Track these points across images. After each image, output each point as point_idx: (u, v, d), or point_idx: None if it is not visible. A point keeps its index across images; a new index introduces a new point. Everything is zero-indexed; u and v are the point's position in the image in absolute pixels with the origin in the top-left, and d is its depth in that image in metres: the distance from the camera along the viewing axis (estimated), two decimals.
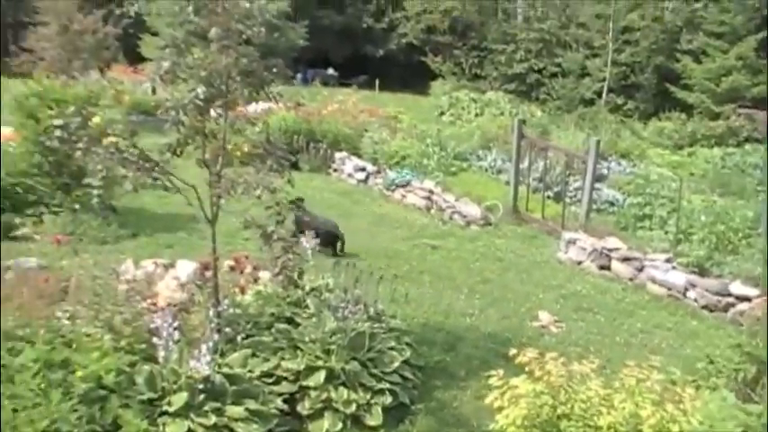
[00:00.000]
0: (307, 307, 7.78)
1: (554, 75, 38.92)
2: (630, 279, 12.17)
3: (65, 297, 7.46)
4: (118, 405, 5.72)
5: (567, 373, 5.76)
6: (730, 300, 10.92)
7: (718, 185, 19.12)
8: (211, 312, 6.95)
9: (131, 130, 6.99)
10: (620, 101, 36.43)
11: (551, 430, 5.50)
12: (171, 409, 5.92)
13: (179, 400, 5.95)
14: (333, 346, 7.02)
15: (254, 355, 6.85)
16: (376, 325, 7.62)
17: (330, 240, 11.34)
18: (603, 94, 36.38)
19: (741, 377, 6.86)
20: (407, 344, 7.77)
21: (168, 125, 6.71)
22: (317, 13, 43.34)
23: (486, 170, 19.96)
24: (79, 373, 5.73)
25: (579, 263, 12.87)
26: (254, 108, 15.09)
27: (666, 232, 13.56)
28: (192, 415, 5.91)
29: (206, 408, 5.99)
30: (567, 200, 15.73)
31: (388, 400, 6.88)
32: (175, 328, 6.38)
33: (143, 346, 6.58)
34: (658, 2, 36.94)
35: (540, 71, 39.66)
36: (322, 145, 19.77)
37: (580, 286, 11.73)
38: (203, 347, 6.14)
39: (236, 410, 6.05)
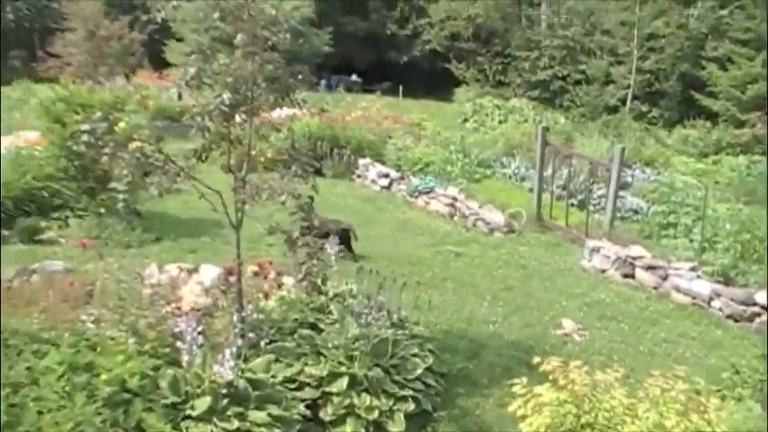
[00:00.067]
0: (330, 313, 7.78)
1: (578, 82, 38.77)
2: (654, 288, 12.08)
3: (90, 300, 7.52)
4: (141, 409, 5.75)
5: (591, 381, 5.73)
6: (755, 309, 10.82)
7: (743, 194, 18.99)
8: (235, 317, 6.98)
9: (157, 135, 7.04)
10: (644, 108, 36.21)
11: None
12: (194, 414, 5.94)
13: (202, 404, 5.97)
14: (356, 353, 7.03)
15: (277, 360, 6.86)
16: (399, 331, 7.62)
17: (344, 240, 11.31)
18: (628, 102, 36.19)
19: (767, 388, 6.81)
20: (430, 351, 7.76)
21: (194, 131, 6.74)
22: (342, 19, 43.48)
23: (510, 177, 19.93)
24: (103, 377, 5.76)
25: (603, 271, 12.79)
26: (278, 114, 15.07)
27: (691, 241, 13.47)
28: (215, 419, 5.93)
29: (229, 412, 6.01)
30: (591, 207, 15.66)
31: (411, 406, 6.88)
32: (199, 333, 6.41)
33: (167, 350, 6.61)
34: (683, 9, 36.71)
35: (564, 78, 39.51)
36: (346, 151, 19.77)
37: (604, 294, 11.66)
38: (227, 352, 6.16)
39: (258, 415, 6.06)
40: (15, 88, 23.90)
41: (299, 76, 7.01)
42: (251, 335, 6.99)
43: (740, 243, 12.49)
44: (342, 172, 19.52)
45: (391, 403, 6.79)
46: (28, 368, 5.82)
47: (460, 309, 10.15)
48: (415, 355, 7.43)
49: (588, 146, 22.88)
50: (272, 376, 6.60)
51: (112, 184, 7.41)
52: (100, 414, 5.44)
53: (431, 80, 42.73)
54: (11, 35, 40.38)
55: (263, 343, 7.03)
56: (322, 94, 28.36)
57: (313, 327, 7.57)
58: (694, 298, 11.45)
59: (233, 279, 7.62)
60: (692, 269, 11.81)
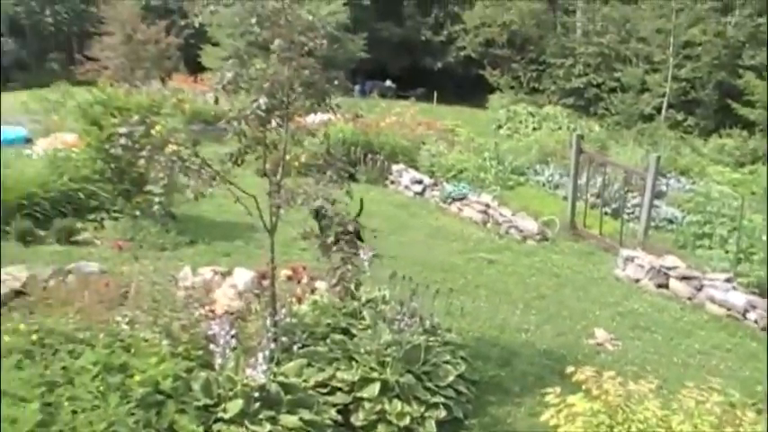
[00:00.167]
0: (362, 318, 7.79)
1: (613, 90, 38.49)
2: (689, 298, 11.97)
3: (124, 302, 7.60)
4: (174, 410, 5.78)
5: (624, 392, 5.68)
6: None
7: None
8: (268, 321, 7.01)
9: (194, 139, 7.08)
10: (680, 117, 35.87)
11: None
12: (226, 416, 5.97)
13: (234, 407, 6.00)
14: (388, 359, 7.03)
15: (309, 364, 6.88)
16: (431, 338, 7.61)
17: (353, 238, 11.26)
18: (663, 110, 35.88)
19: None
20: (462, 358, 7.74)
21: (230, 135, 6.79)
22: (376, 25, 43.50)
23: (544, 185, 19.87)
24: (137, 378, 5.81)
25: (637, 280, 12.69)
26: (313, 119, 15.13)
27: (727, 251, 13.34)
28: (246, 423, 5.96)
29: (261, 416, 6.04)
30: (626, 216, 15.56)
31: (442, 413, 6.86)
32: (232, 336, 6.45)
33: (200, 352, 6.65)
34: (721, 17, 36.34)
35: (598, 86, 39.25)
36: (379, 157, 19.77)
37: (637, 304, 11.57)
38: (259, 356, 6.19)
39: (290, 419, 6.07)
40: (53, 90, 24.11)
41: (335, 82, 7.03)
42: (284, 339, 7.03)
43: None
44: (375, 177, 19.52)
45: (422, 410, 6.78)
46: (63, 368, 5.88)
47: (493, 316, 10.12)
48: (447, 362, 7.41)
49: (623, 154, 22.72)
50: (304, 380, 6.62)
51: (148, 187, 7.47)
52: (133, 415, 5.49)
53: (465, 86, 42.64)
54: (50, 38, 40.90)
55: (295, 347, 7.05)
56: (356, 100, 28.37)
57: (345, 332, 7.59)
58: (729, 309, 11.32)
59: (266, 283, 7.65)
60: (728, 280, 11.70)
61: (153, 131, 6.85)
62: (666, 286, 12.38)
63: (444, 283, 10.27)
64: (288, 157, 7.18)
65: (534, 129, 30.61)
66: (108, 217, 12.38)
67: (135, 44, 25.40)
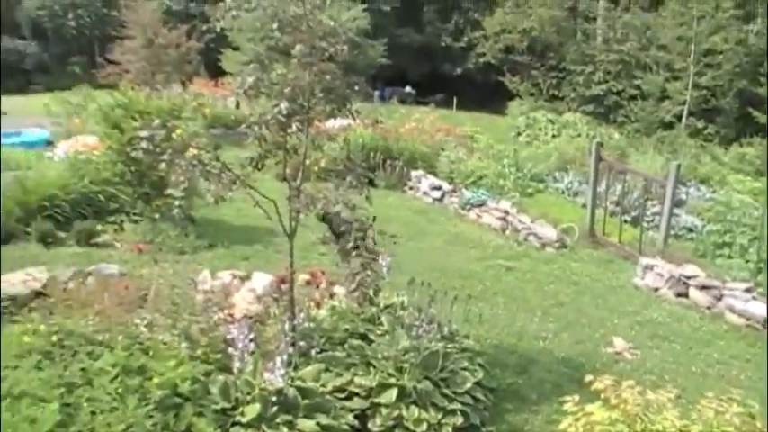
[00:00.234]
0: (381, 324, 7.80)
1: (633, 97, 38.37)
2: (708, 308, 11.89)
3: (144, 304, 7.63)
4: (192, 413, 5.80)
5: (643, 401, 5.65)
6: None
7: None
8: (287, 325, 7.03)
9: (215, 143, 7.11)
10: (700, 125, 35.70)
11: None
12: (243, 420, 5.98)
13: (252, 411, 6.01)
14: (406, 365, 7.02)
15: (327, 369, 6.89)
16: (449, 345, 7.59)
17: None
18: (683, 118, 35.73)
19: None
20: (480, 365, 7.71)
21: (250, 139, 6.82)
22: (396, 31, 43.57)
23: (563, 192, 19.82)
24: (155, 380, 5.83)
25: (656, 289, 12.62)
26: (332, 124, 15.19)
27: (747, 261, 13.26)
28: (264, 426, 5.96)
29: (278, 420, 6.04)
30: (645, 225, 15.48)
31: (459, 420, 6.83)
32: (251, 340, 6.46)
33: (218, 355, 6.68)
34: (742, 24, 36.14)
35: (618, 93, 39.13)
36: (398, 162, 19.75)
37: (656, 313, 11.50)
38: (278, 360, 6.19)
39: (307, 424, 6.07)
40: (75, 93, 24.27)
41: (356, 88, 7.04)
42: (302, 343, 7.04)
43: None
44: (394, 183, 19.51)
45: (440, 416, 6.77)
46: (82, 369, 5.92)
47: (511, 323, 10.11)
48: (464, 369, 7.39)
49: (642, 162, 22.62)
50: (322, 385, 6.62)
51: (169, 191, 7.51)
52: (151, 417, 5.52)
53: (484, 93, 42.59)
54: (72, 42, 41.18)
55: (313, 352, 7.06)
56: (375, 106, 28.37)
57: (363, 337, 7.59)
58: (749, 319, 11.23)
59: (285, 287, 7.67)
60: (748, 290, 11.61)
61: (174, 135, 6.89)
62: (686, 295, 12.31)
63: (463, 290, 10.27)
64: (307, 162, 7.19)
65: (554, 136, 30.52)
66: (128, 220, 12.45)
67: (156, 48, 25.53)
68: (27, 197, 11.95)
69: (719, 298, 11.80)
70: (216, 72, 33.37)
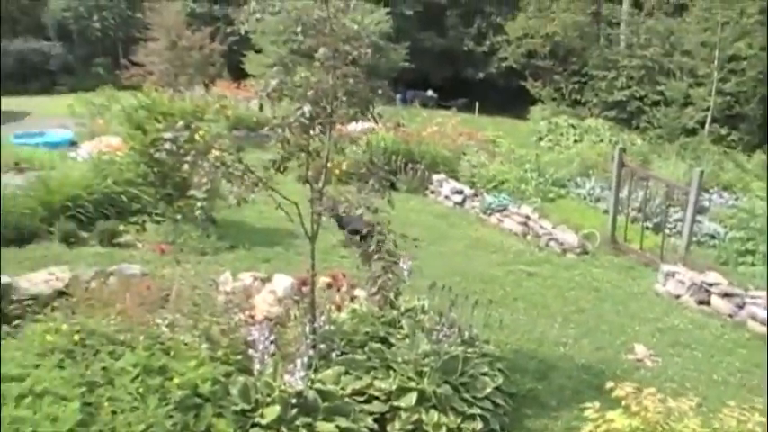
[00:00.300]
0: (401, 328, 7.80)
1: (656, 103, 38.09)
2: (730, 315, 11.80)
3: (165, 305, 7.65)
4: (212, 414, 5.83)
5: (664, 409, 5.62)
6: None
7: None
8: (307, 328, 7.04)
9: (238, 145, 7.13)
10: (723, 131, 35.38)
11: None
12: (263, 422, 6.00)
13: (271, 413, 6.03)
14: (425, 369, 7.02)
15: (346, 372, 6.89)
16: (469, 349, 7.59)
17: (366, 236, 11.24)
18: (707, 125, 35.44)
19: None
20: (500, 370, 7.70)
21: (273, 141, 6.84)
22: (419, 35, 43.50)
23: (585, 198, 19.74)
24: (176, 380, 5.86)
25: (677, 296, 12.54)
26: (354, 127, 15.20)
27: None
28: (283, 428, 5.99)
29: (297, 422, 6.06)
30: (667, 231, 15.38)
31: (479, 425, 6.82)
32: (271, 342, 6.48)
33: (239, 357, 6.71)
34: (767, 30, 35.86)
35: (641, 99, 38.87)
36: (420, 166, 19.72)
37: (677, 320, 11.43)
38: (298, 362, 6.21)
39: (327, 427, 6.09)
40: (99, 94, 24.41)
41: (379, 91, 7.05)
42: (322, 346, 7.05)
43: None
44: (416, 187, 19.49)
45: (459, 421, 6.76)
46: (104, 368, 5.96)
47: (531, 329, 10.08)
48: (484, 374, 7.38)
49: (665, 168, 22.49)
50: (342, 388, 6.63)
51: (191, 192, 7.54)
52: (171, 417, 5.54)
53: (506, 97, 42.46)
54: (97, 44, 41.44)
55: (333, 354, 7.08)
56: (397, 109, 28.38)
57: (383, 341, 7.60)
58: None
59: (306, 290, 7.68)
60: None
61: (197, 137, 6.92)
62: (708, 303, 12.22)
63: (483, 295, 10.23)
64: (329, 165, 7.21)
65: (575, 141, 30.42)
66: (150, 220, 12.52)
67: (180, 50, 25.62)
68: (50, 197, 12.04)
69: (742, 306, 11.72)
70: (238, 74, 33.46)
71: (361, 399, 6.74)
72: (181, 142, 6.69)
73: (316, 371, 6.68)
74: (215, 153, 6.71)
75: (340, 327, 7.63)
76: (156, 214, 12.56)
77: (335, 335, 7.36)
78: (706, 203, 19.13)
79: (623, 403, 5.72)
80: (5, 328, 6.95)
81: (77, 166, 14.38)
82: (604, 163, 21.21)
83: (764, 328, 11.17)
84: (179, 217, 12.05)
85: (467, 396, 7.02)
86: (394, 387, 6.85)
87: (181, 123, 7.02)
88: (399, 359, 7.14)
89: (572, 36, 41.16)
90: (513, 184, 18.84)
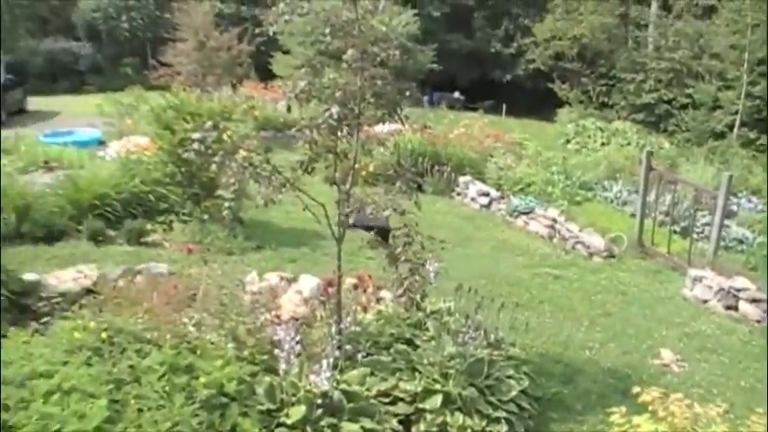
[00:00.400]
0: (427, 330, 7.79)
1: (684, 106, 37.80)
2: (758, 321, 11.69)
3: (192, 304, 7.69)
4: (237, 413, 5.86)
5: (691, 415, 5.58)
6: None
7: None
8: (333, 329, 7.05)
9: (266, 146, 7.16)
10: (752, 135, 34.98)
11: None
12: (288, 422, 6.02)
13: (297, 413, 6.05)
14: (451, 371, 7.01)
15: (372, 373, 6.90)
16: (495, 352, 7.57)
17: (382, 234, 11.20)
18: (735, 128, 35.09)
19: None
20: (525, 373, 7.67)
21: (300, 142, 6.86)
22: (446, 36, 43.44)
23: (612, 201, 19.64)
24: (202, 379, 5.89)
25: (705, 301, 12.44)
26: (380, 128, 15.20)
27: None
28: (308, 429, 6.01)
29: (322, 423, 6.08)
30: (695, 236, 15.27)
31: (504, 428, 6.80)
32: (297, 342, 6.50)
33: (265, 357, 6.73)
34: None
35: (669, 102, 38.58)
36: (446, 168, 19.67)
37: (705, 326, 11.34)
38: (324, 363, 6.22)
39: (351, 428, 6.10)
40: (127, 94, 24.58)
41: (407, 93, 7.04)
42: (348, 347, 7.06)
43: None
44: (442, 189, 19.44)
45: (484, 424, 6.74)
46: (130, 366, 6.00)
47: (557, 332, 10.05)
48: (510, 377, 7.36)
49: (693, 172, 22.34)
50: (367, 389, 6.64)
51: (219, 192, 7.57)
52: (197, 416, 5.57)
53: (533, 100, 42.32)
54: (125, 44, 41.74)
55: (359, 356, 7.09)
56: (424, 111, 28.37)
57: (409, 342, 7.59)
58: None
59: (332, 290, 7.69)
60: None
61: (225, 137, 6.95)
62: (735, 308, 12.12)
63: (509, 297, 10.22)
64: (357, 166, 7.22)
65: (603, 144, 30.26)
66: (177, 219, 12.57)
67: (208, 51, 25.75)
68: (79, 195, 12.13)
69: None
70: (266, 75, 33.54)
71: (387, 400, 6.74)
72: (209, 142, 6.72)
73: (341, 372, 6.68)
74: (243, 153, 6.74)
75: (366, 328, 7.64)
76: (184, 214, 12.62)
77: (361, 336, 7.37)
78: (734, 208, 19.00)
79: (650, 408, 5.70)
80: (34, 324, 7.00)
81: (106, 165, 14.47)
82: (632, 166, 21.10)
83: None
84: (206, 217, 12.10)
85: (492, 399, 7.00)
86: (419, 389, 6.84)
87: (209, 124, 7.05)
88: (425, 361, 7.14)
89: (600, 38, 40.94)
90: (539, 187, 18.78)
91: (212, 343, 6.66)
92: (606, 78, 41.29)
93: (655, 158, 18.19)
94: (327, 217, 7.01)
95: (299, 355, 6.60)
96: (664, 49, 39.80)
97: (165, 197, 12.89)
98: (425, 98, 37.25)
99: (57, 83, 37.81)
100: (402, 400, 6.81)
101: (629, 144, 29.14)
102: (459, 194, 19.53)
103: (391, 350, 7.34)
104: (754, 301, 11.86)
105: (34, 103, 30.94)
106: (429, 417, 6.69)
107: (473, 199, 18.89)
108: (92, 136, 21.96)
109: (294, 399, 6.21)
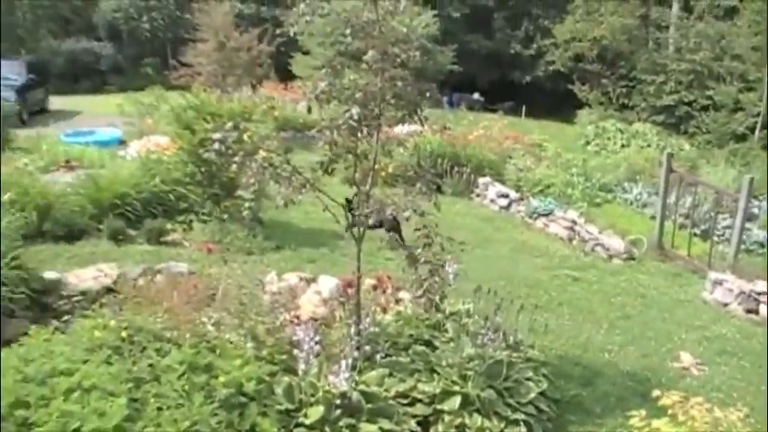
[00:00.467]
0: (446, 331, 7.79)
1: (705, 108, 37.57)
2: None
3: (211, 304, 7.71)
4: (256, 413, 5.87)
5: (711, 419, 5.55)
6: None
7: None
8: (352, 329, 7.06)
9: (286, 147, 7.17)
10: None
11: None
12: (307, 422, 6.03)
13: (315, 413, 6.06)
14: (470, 372, 7.01)
15: (390, 374, 6.90)
16: (514, 354, 7.55)
17: (393, 227, 11.16)
18: (757, 130, 34.85)
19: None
20: (544, 375, 7.66)
21: (320, 143, 6.87)
22: (466, 37, 43.41)
23: (631, 203, 19.56)
24: (221, 379, 5.91)
25: (725, 304, 12.37)
26: (400, 129, 15.20)
27: None
28: (327, 429, 6.02)
29: (341, 423, 6.08)
30: (715, 238, 15.17)
31: (522, 431, 6.79)
32: (316, 342, 6.51)
33: (284, 357, 6.75)
34: None
35: (690, 104, 38.37)
36: (466, 169, 19.64)
37: (725, 329, 11.26)
38: (342, 363, 6.24)
39: (370, 428, 6.10)
40: (148, 94, 24.68)
41: (427, 94, 7.04)
42: (367, 348, 7.06)
43: None
44: (461, 190, 19.41)
45: (503, 426, 6.73)
46: (150, 365, 6.02)
47: (576, 335, 10.01)
48: (528, 379, 7.35)
49: (713, 174, 22.21)
50: (385, 390, 6.63)
51: (239, 192, 7.60)
52: (216, 415, 5.58)
53: (553, 101, 42.22)
54: (146, 44, 41.99)
55: (378, 356, 7.09)
56: (444, 112, 28.36)
57: (428, 344, 7.59)
58: None
59: (352, 291, 7.70)
60: None
61: (245, 137, 6.96)
62: (756, 312, 12.04)
63: (528, 299, 10.20)
64: (376, 167, 7.22)
65: (623, 146, 30.11)
66: (197, 219, 12.60)
67: (228, 51, 25.85)
68: (100, 195, 12.18)
69: None
70: (286, 75, 33.63)
71: (405, 401, 6.73)
72: (229, 143, 6.74)
73: (360, 372, 6.69)
74: (263, 154, 6.75)
75: (384, 329, 7.64)
76: (203, 213, 12.65)
77: (380, 337, 7.38)
78: (756, 210, 18.84)
79: (669, 412, 5.67)
80: (55, 322, 7.04)
81: (126, 165, 14.54)
82: (652, 168, 21.00)
83: None
84: (226, 216, 12.14)
85: (511, 401, 6.99)
86: (438, 390, 6.84)
87: (229, 124, 7.07)
88: (444, 362, 7.13)
89: (620, 39, 40.78)
90: (559, 189, 18.72)
91: (231, 342, 6.67)
92: (626, 80, 41.12)
93: (675, 160, 18.08)
94: (347, 217, 7.02)
95: (318, 355, 6.61)
96: (685, 51, 39.58)
97: (185, 197, 12.93)
98: (445, 99, 37.23)
99: (78, 83, 38.10)
100: (420, 401, 6.81)
101: (649, 146, 29.00)
102: (478, 196, 19.48)
103: (410, 351, 7.34)
104: None
105: (56, 102, 31.18)
106: (447, 418, 6.68)
107: (492, 200, 18.85)
108: (112, 135, 22.09)
109: (313, 399, 6.22)
